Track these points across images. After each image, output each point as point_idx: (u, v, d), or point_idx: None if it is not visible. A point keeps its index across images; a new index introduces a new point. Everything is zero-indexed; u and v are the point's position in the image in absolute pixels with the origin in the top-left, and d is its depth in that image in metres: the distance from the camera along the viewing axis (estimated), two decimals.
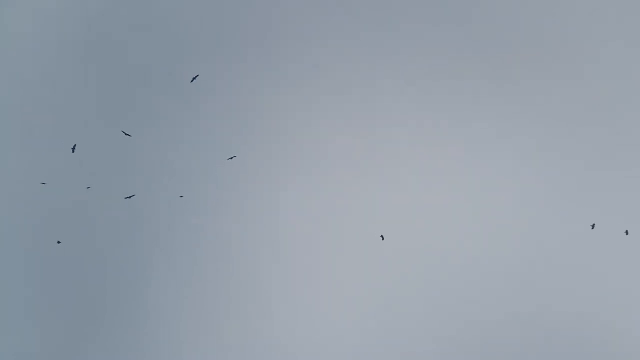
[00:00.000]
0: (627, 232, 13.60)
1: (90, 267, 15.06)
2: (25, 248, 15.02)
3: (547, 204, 15.33)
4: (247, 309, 15.20)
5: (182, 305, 15.14)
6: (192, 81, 12.94)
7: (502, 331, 14.93)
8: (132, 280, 15.12)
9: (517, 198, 15.37)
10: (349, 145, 15.73)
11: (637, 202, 15.18)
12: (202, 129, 15.48)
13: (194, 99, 15.53)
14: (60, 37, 15.69)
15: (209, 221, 15.37)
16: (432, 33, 15.98)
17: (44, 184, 14.15)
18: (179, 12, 15.86)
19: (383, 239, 13.57)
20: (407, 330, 15.00)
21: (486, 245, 15.21)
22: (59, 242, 14.34)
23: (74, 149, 13.24)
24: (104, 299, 15.00)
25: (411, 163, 15.60)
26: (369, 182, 15.57)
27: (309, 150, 15.72)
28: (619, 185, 15.30)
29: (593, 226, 14.90)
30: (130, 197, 13.17)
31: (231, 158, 13.79)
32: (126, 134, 13.15)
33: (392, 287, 15.18)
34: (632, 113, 15.53)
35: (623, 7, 15.75)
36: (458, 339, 14.95)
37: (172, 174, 15.35)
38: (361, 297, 15.17)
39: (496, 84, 15.77)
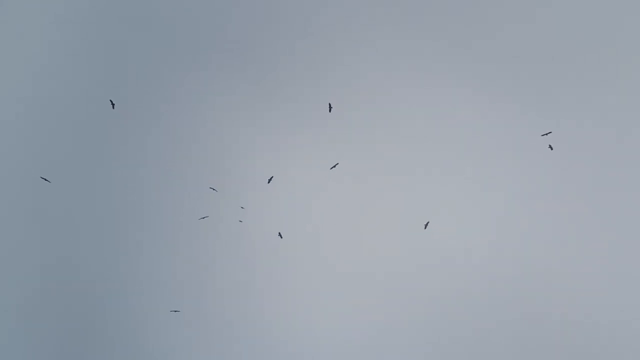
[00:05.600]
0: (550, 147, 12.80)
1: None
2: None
3: (547, 205, 15.31)
4: (243, 307, 15.30)
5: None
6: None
7: (503, 332, 14.94)
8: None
9: (518, 199, 15.36)
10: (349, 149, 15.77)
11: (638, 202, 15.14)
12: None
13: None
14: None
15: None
16: (435, 38, 15.99)
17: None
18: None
19: (281, 237, 13.59)
20: (406, 330, 15.05)
21: (486, 247, 15.22)
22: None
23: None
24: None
25: (410, 163, 15.61)
26: (368, 182, 15.59)
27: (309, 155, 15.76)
28: (625, 186, 15.27)
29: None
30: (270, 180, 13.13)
31: (334, 166, 13.69)
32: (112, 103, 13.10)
33: (392, 288, 15.22)
34: (636, 113, 15.47)
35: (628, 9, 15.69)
36: (458, 340, 14.97)
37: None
38: (360, 297, 15.21)
39: (497, 84, 15.75)
